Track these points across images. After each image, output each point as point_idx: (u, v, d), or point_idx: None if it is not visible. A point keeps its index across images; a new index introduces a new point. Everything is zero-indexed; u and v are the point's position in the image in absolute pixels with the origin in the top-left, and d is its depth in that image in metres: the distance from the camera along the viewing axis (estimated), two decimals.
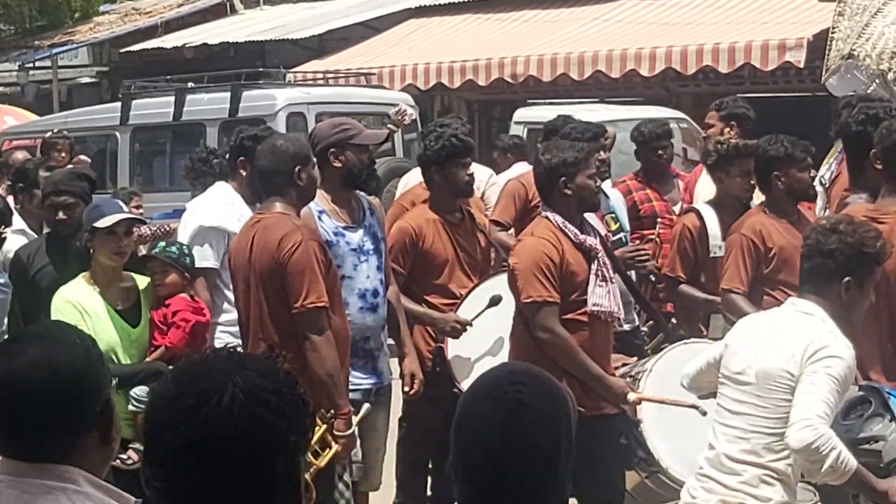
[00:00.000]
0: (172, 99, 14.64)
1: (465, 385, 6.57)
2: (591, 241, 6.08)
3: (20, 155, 11.33)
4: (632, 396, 5.99)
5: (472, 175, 7.15)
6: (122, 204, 6.69)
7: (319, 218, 6.30)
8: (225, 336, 6.63)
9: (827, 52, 13.76)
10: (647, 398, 6.04)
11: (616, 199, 8.42)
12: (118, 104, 15.45)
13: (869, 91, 13.57)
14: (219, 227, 6.87)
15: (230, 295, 6.38)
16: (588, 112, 14.55)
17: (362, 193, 6.51)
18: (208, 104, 14.29)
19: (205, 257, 6.80)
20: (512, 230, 7.78)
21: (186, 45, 22.84)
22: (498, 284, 6.74)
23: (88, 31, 26.07)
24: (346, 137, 6.36)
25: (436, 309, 6.95)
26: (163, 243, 6.71)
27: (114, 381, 2.97)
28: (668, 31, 17.39)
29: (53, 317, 5.83)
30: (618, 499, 6.25)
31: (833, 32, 14.01)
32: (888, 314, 5.08)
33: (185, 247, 6.62)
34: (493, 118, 21.22)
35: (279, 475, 2.27)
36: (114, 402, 2.85)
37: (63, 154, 11.64)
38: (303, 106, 13.97)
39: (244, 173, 7.03)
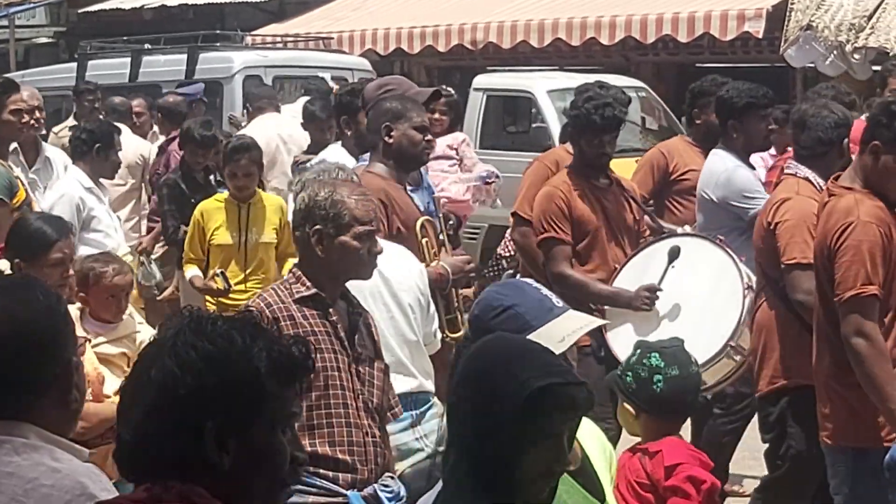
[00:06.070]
0: (129, 60, 14.57)
1: None
2: None
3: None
4: None
5: (607, 151, 6.52)
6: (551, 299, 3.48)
7: None
8: None
9: (786, 22, 13.79)
10: None
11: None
12: (74, 65, 15.34)
13: (827, 63, 13.61)
14: None
15: None
16: (548, 80, 14.52)
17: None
18: (164, 66, 14.21)
19: None
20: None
21: (145, 7, 22.61)
22: (657, 252, 6.40)
23: None
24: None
25: None
26: None
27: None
28: (628, 0, 17.34)
29: None
30: None
31: (792, 3, 14.03)
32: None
33: None
34: (452, 84, 21.07)
35: (186, 428, 2.24)
36: (78, 365, 2.81)
37: None
38: (260, 69, 13.90)
39: (349, 133, 6.59)
